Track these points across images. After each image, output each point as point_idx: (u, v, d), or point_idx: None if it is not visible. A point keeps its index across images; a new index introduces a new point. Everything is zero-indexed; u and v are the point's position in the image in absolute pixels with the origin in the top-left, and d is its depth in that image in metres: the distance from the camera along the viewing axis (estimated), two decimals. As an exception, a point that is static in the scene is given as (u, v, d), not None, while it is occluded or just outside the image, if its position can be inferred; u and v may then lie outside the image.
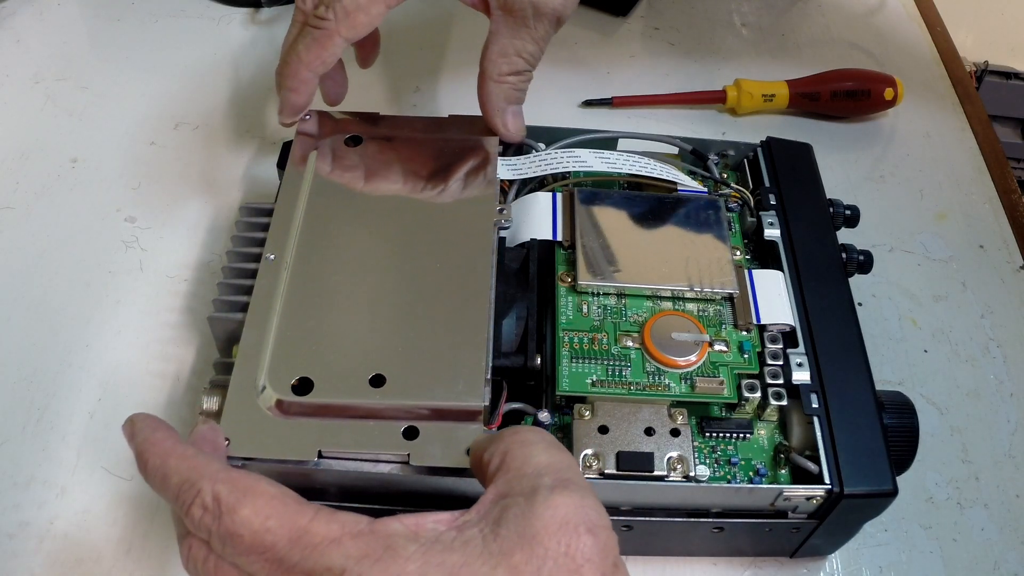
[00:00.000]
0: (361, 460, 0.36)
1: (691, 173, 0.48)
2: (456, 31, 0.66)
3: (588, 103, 0.62)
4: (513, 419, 0.39)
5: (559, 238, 0.43)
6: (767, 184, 0.47)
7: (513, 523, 0.28)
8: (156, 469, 0.31)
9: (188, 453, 0.31)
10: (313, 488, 0.37)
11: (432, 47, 0.65)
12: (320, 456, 0.35)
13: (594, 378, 0.39)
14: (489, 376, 0.37)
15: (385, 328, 0.39)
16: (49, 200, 0.54)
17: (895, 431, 0.39)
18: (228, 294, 0.41)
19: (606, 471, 0.36)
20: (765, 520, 0.38)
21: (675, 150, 0.50)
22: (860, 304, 0.50)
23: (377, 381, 0.37)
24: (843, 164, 0.60)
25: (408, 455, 0.35)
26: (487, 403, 0.37)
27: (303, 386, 0.37)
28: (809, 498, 0.37)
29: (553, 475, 0.30)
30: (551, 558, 0.28)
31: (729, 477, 0.39)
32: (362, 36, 0.44)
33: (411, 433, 0.36)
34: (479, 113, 0.47)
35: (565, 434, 0.38)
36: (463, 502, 0.37)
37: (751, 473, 0.39)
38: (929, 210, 0.58)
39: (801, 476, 0.38)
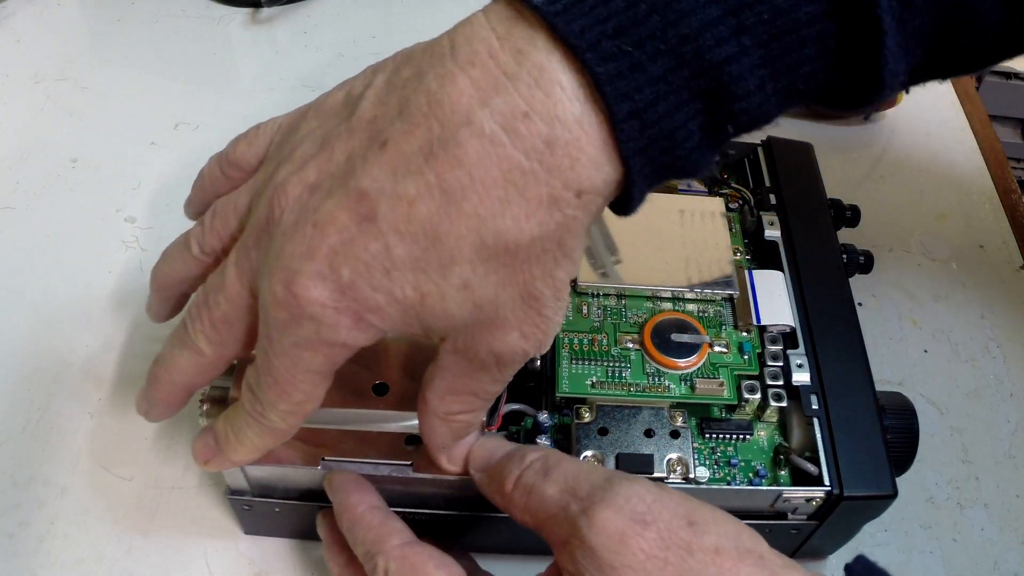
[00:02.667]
0: (364, 464, 0.36)
1: (691, 173, 0.48)
2: (456, 31, 0.66)
3: (588, 103, 0.62)
4: (513, 420, 0.39)
5: (559, 239, 0.43)
6: (767, 184, 0.47)
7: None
8: (348, 532, 0.34)
9: (374, 522, 0.33)
10: (314, 490, 0.37)
11: (432, 47, 0.65)
12: (323, 462, 0.35)
13: (594, 379, 0.39)
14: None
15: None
16: (49, 200, 0.54)
17: (895, 433, 0.39)
18: (228, 295, 0.41)
19: (606, 472, 0.36)
20: (765, 521, 0.38)
21: (675, 150, 0.50)
22: (860, 304, 0.50)
23: (380, 389, 0.37)
24: (843, 164, 0.60)
25: (412, 463, 0.35)
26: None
27: None
28: (809, 500, 0.37)
29: (578, 502, 0.30)
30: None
31: (729, 479, 0.39)
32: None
33: (414, 441, 0.36)
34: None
35: (565, 435, 0.38)
36: (465, 504, 0.37)
37: (751, 474, 0.39)
38: (929, 210, 0.58)
39: (801, 478, 0.38)
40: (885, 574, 0.30)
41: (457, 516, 0.37)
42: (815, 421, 0.38)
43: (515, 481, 0.32)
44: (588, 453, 0.37)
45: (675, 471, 0.37)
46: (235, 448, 0.33)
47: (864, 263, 0.45)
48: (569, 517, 0.30)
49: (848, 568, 0.31)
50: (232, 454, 0.33)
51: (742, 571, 0.28)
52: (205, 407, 0.37)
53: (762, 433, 0.40)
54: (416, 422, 0.36)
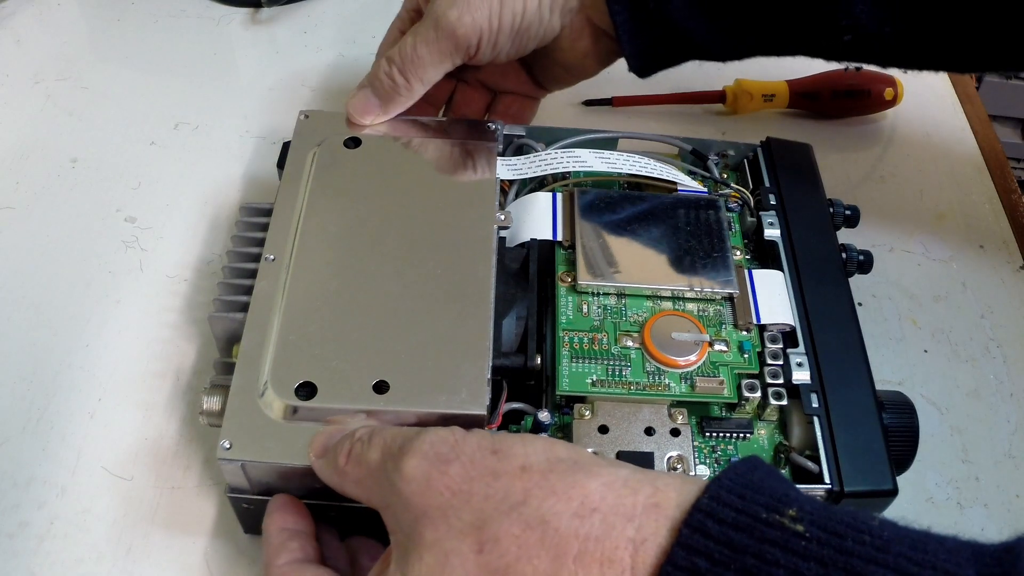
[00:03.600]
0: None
1: (691, 173, 0.48)
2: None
3: (588, 103, 0.62)
4: (513, 419, 0.39)
5: (559, 238, 0.43)
6: (767, 184, 0.47)
7: (406, 541, 0.29)
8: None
9: (275, 542, 0.35)
10: (314, 489, 0.37)
11: (432, 47, 0.65)
12: (322, 459, 0.36)
13: (594, 378, 0.39)
14: (489, 377, 0.37)
15: (387, 332, 0.39)
16: (49, 200, 0.54)
17: (895, 431, 0.39)
18: (229, 294, 0.41)
19: (606, 471, 0.36)
20: (765, 520, 0.38)
21: (675, 150, 0.50)
22: (860, 304, 0.50)
23: (380, 387, 0.37)
24: (843, 164, 0.60)
25: None
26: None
27: (306, 390, 0.37)
28: (809, 498, 0.37)
29: (392, 459, 0.30)
30: (446, 529, 0.28)
31: (729, 477, 0.39)
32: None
33: None
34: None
35: (565, 434, 0.38)
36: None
37: (751, 473, 0.39)
38: (929, 210, 0.58)
39: (801, 476, 0.38)
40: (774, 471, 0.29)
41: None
42: (815, 419, 0.38)
43: (346, 454, 0.33)
44: (588, 451, 0.37)
45: (675, 469, 0.37)
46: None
47: (864, 263, 0.45)
48: (387, 476, 0.30)
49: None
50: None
51: (551, 480, 0.28)
52: (206, 398, 0.38)
53: (762, 432, 0.40)
54: (415, 421, 0.36)
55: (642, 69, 0.47)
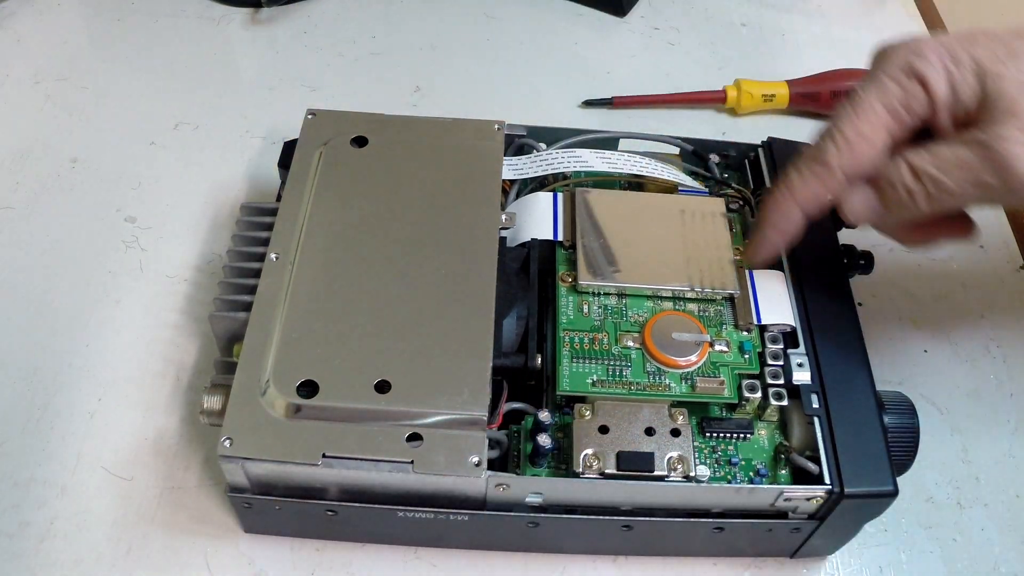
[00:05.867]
0: (364, 461, 0.36)
1: (692, 173, 0.48)
2: (456, 31, 0.66)
3: (588, 103, 0.62)
4: (514, 418, 0.39)
5: (560, 238, 0.43)
6: (768, 184, 0.47)
7: None
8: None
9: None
10: (314, 487, 0.37)
11: (432, 47, 0.65)
12: (324, 458, 0.36)
13: (594, 378, 0.39)
14: (490, 377, 0.37)
15: (390, 332, 0.39)
16: (49, 200, 0.54)
17: (896, 432, 0.39)
18: (229, 293, 0.41)
19: (606, 471, 0.36)
20: (765, 520, 0.38)
21: (676, 150, 0.50)
22: (860, 304, 0.50)
23: (382, 387, 0.37)
24: (843, 164, 0.60)
25: (412, 461, 0.35)
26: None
27: (308, 388, 0.37)
28: (809, 498, 0.37)
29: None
30: None
31: (729, 477, 0.39)
32: (865, 170, 0.37)
33: (415, 439, 0.36)
34: (480, 115, 0.47)
35: (565, 434, 0.38)
36: (466, 504, 0.37)
37: (751, 473, 0.39)
38: (929, 210, 0.58)
39: (801, 476, 0.38)
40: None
41: (456, 515, 0.38)
42: (815, 420, 0.38)
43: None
44: (588, 451, 0.37)
45: (675, 469, 0.37)
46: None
47: (864, 263, 0.45)
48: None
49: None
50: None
51: None
52: (207, 397, 0.38)
53: (763, 432, 0.40)
54: (417, 421, 0.36)
55: None
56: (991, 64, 0.35)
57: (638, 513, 0.38)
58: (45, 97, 0.60)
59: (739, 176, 0.50)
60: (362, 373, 0.37)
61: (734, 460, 0.39)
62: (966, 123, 0.36)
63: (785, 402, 0.39)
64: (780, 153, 0.48)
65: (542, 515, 0.38)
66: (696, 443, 0.39)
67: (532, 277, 0.42)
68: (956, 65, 0.36)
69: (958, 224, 0.39)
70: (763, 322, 0.41)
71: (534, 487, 0.37)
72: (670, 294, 0.42)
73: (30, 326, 0.48)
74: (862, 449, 0.37)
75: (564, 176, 0.48)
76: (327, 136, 0.46)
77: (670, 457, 0.37)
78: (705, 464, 0.38)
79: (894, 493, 0.37)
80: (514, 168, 0.46)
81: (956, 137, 0.35)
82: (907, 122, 0.36)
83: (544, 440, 0.37)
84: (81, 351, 0.47)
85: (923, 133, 0.37)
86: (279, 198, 0.44)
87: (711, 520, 0.38)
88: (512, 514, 0.38)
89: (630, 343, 0.40)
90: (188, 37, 0.64)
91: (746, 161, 0.49)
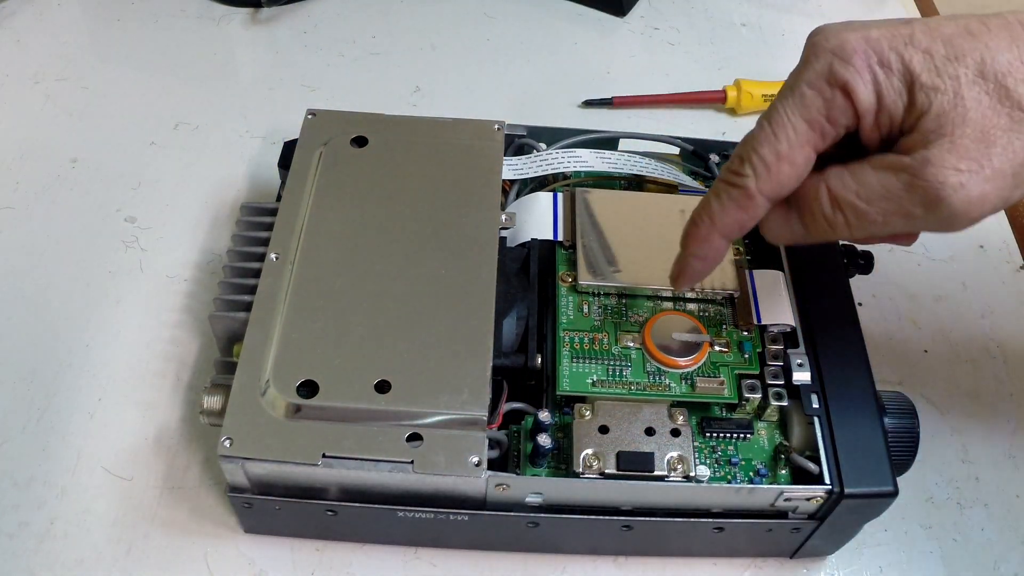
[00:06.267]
0: (364, 461, 0.36)
1: (692, 173, 0.48)
2: (456, 31, 0.66)
3: (588, 103, 0.62)
4: (514, 418, 0.39)
5: (560, 238, 0.43)
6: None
7: None
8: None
9: None
10: (314, 487, 0.37)
11: (432, 47, 0.65)
12: (323, 458, 0.36)
13: (594, 378, 0.39)
14: (490, 377, 0.37)
15: (390, 332, 0.39)
16: (49, 200, 0.54)
17: (896, 434, 0.39)
18: (229, 293, 0.41)
19: (606, 471, 0.36)
20: (765, 520, 0.38)
21: (676, 150, 0.50)
22: (860, 304, 0.50)
23: (382, 387, 0.37)
24: (843, 164, 0.60)
25: (412, 461, 0.35)
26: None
27: (308, 388, 0.37)
28: (809, 498, 0.37)
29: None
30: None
31: (729, 477, 0.39)
32: (787, 191, 0.34)
33: (415, 439, 0.36)
34: (480, 115, 0.47)
35: (565, 434, 0.38)
36: (466, 504, 0.37)
37: (751, 473, 0.39)
38: (929, 210, 0.58)
39: (801, 476, 0.38)
40: None
41: (456, 515, 0.38)
42: (815, 420, 0.38)
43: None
44: (588, 451, 0.37)
45: (676, 469, 0.37)
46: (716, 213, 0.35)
47: (864, 263, 0.45)
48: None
49: None
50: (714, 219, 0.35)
51: None
52: (207, 397, 0.38)
53: (763, 432, 0.40)
54: (417, 421, 0.36)
55: None
56: (924, 72, 0.31)
57: (638, 513, 0.38)
58: (45, 97, 0.60)
59: (739, 176, 0.50)
60: (362, 373, 0.37)
61: (734, 460, 0.39)
62: (900, 132, 0.32)
63: (785, 402, 0.39)
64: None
65: (542, 515, 0.38)
66: (696, 443, 0.39)
67: (532, 277, 0.42)
68: (884, 70, 0.31)
69: (899, 235, 0.36)
70: (763, 322, 0.41)
71: (534, 487, 0.37)
72: (670, 294, 0.42)
73: (30, 326, 0.48)
74: (862, 449, 0.37)
75: (564, 176, 0.48)
76: (327, 136, 0.46)
77: (670, 457, 0.37)
78: (705, 464, 0.38)
79: (894, 493, 0.37)
80: (514, 168, 0.46)
81: (880, 160, 0.32)
82: (832, 134, 0.33)
83: (544, 440, 0.37)
84: (81, 351, 0.47)
85: (853, 139, 0.34)
86: (279, 198, 0.44)
87: (711, 520, 0.38)
88: (512, 514, 0.38)
89: (630, 343, 0.40)
90: (188, 37, 0.64)
91: (746, 161, 0.49)
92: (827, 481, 0.37)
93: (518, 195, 0.46)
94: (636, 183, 0.48)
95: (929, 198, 0.30)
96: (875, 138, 0.33)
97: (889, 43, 0.31)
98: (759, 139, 0.34)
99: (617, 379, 0.39)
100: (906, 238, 0.37)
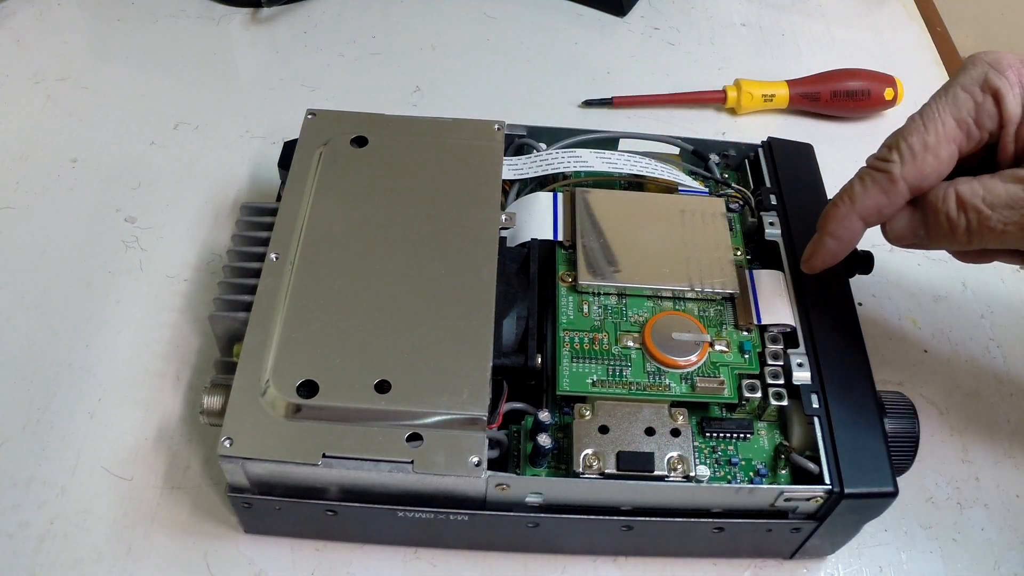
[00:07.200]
0: (364, 461, 0.36)
1: (692, 173, 0.48)
2: (456, 31, 0.66)
3: (588, 103, 0.62)
4: (514, 418, 0.39)
5: (560, 238, 0.43)
6: (768, 184, 0.47)
7: None
8: None
9: None
10: (314, 487, 0.37)
11: (432, 47, 0.65)
12: (323, 458, 0.36)
13: (594, 378, 0.39)
14: (490, 377, 0.37)
15: (390, 332, 0.39)
16: (49, 200, 0.54)
17: (896, 433, 0.39)
18: (229, 293, 0.41)
19: (606, 471, 0.36)
20: (765, 520, 0.38)
21: (676, 150, 0.50)
22: (860, 304, 0.50)
23: (382, 387, 0.37)
24: (843, 164, 0.60)
25: (412, 461, 0.35)
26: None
27: (308, 388, 0.37)
28: (809, 498, 0.37)
29: None
30: None
31: (729, 477, 0.39)
32: (928, 185, 0.36)
33: (415, 439, 0.36)
34: (480, 115, 0.47)
35: (565, 434, 0.38)
36: (466, 504, 0.37)
37: (751, 473, 0.39)
38: (929, 210, 0.58)
39: (801, 476, 0.38)
40: None
41: (456, 515, 0.38)
42: (815, 420, 0.38)
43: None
44: (588, 451, 0.37)
45: (676, 469, 0.37)
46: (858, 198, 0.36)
47: (864, 263, 0.45)
48: None
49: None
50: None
51: None
52: (207, 397, 0.37)
53: (763, 432, 0.40)
54: (417, 421, 0.36)
55: None
56: None
57: (638, 513, 0.38)
58: (45, 97, 0.60)
59: (739, 176, 0.50)
60: (362, 373, 0.37)
61: (734, 460, 0.39)
62: None
63: (785, 402, 0.39)
64: (780, 153, 0.48)
65: (542, 515, 0.38)
66: (696, 443, 0.39)
67: (532, 277, 0.42)
68: None
69: (1011, 253, 0.38)
70: (763, 322, 0.41)
71: (534, 487, 0.37)
72: (670, 294, 0.42)
73: (30, 326, 0.48)
74: (862, 449, 0.37)
75: (564, 176, 0.48)
76: (327, 136, 0.46)
77: (670, 457, 0.37)
78: (705, 464, 0.38)
79: (894, 493, 0.37)
80: (514, 168, 0.46)
81: (1011, 173, 0.34)
82: (976, 137, 0.35)
83: (544, 440, 0.37)
84: (81, 351, 0.47)
85: (989, 163, 0.36)
86: (279, 198, 0.44)
87: (711, 520, 0.38)
88: (512, 514, 0.38)
89: (630, 343, 0.40)
90: (188, 37, 0.64)
91: (746, 161, 0.49)
92: (827, 481, 0.37)
93: (518, 195, 0.46)
94: (636, 183, 0.48)
95: None
96: (1010, 152, 0.35)
97: None
98: (909, 129, 0.36)
99: (617, 379, 0.39)
100: (1021, 259, 0.38)
